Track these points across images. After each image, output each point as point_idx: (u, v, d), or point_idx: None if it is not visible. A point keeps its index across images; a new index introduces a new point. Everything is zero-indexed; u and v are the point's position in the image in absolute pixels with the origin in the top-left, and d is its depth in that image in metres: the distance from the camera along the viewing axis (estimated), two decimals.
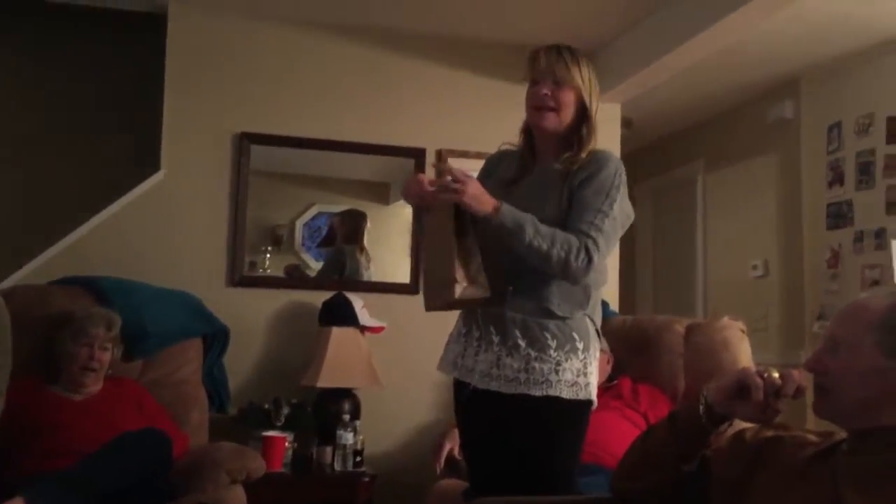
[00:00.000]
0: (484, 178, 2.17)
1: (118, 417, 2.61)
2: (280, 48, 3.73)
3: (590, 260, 1.90)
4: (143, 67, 3.78)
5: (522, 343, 1.95)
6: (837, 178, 4.07)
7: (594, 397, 2.00)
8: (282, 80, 3.71)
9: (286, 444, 3.20)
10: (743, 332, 3.19)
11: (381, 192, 4.00)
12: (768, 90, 4.49)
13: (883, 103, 3.83)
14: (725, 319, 3.26)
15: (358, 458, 3.27)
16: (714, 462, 1.51)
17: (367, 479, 3.20)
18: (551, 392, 1.92)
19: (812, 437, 1.48)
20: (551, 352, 1.94)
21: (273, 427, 3.25)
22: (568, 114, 2.03)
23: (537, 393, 1.92)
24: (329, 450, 3.25)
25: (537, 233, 1.88)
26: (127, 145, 3.90)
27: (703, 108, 4.92)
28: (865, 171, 3.90)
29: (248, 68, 3.68)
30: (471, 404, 2.03)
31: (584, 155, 2.01)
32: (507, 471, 1.94)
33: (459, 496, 2.32)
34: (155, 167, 3.54)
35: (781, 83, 4.39)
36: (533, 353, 1.94)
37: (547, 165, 2.05)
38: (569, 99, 2.02)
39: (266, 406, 3.32)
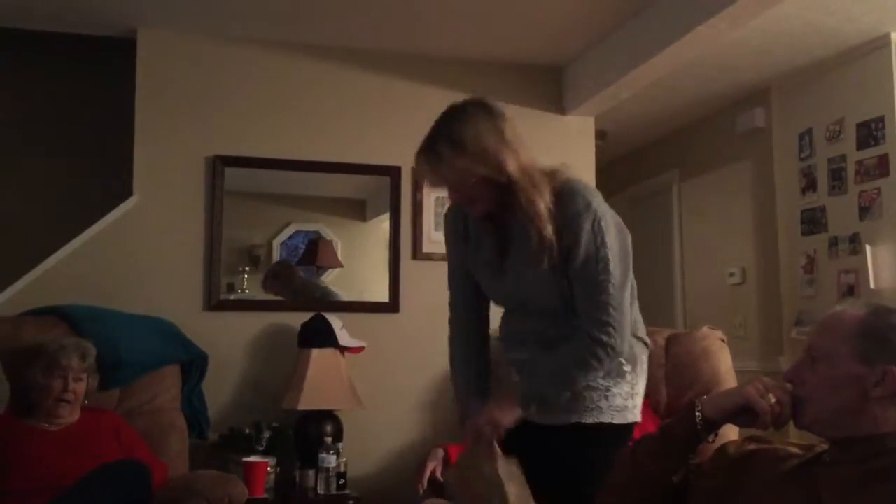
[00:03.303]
0: (456, 238, 2.06)
1: (96, 449, 2.57)
2: (251, 69, 3.71)
3: (611, 348, 1.83)
4: (114, 92, 3.75)
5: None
6: (810, 185, 4.11)
7: (639, 417, 2.00)
8: (254, 101, 3.70)
9: (268, 468, 3.16)
10: (722, 341, 3.21)
11: (358, 210, 3.99)
12: (739, 99, 4.54)
13: (852, 109, 3.88)
14: (705, 329, 3.28)
15: (341, 481, 3.24)
16: (697, 475, 1.52)
17: (351, 502, 3.17)
18: (602, 419, 1.93)
19: (794, 450, 1.49)
20: (600, 380, 1.92)
21: (254, 452, 3.21)
22: (489, 195, 1.84)
23: (589, 420, 1.92)
24: (312, 473, 3.22)
25: (559, 385, 1.85)
26: (99, 171, 3.86)
27: (676, 118, 4.95)
28: (837, 176, 3.94)
29: (220, 91, 3.66)
30: (523, 435, 1.98)
31: (545, 223, 1.82)
32: (553, 496, 1.92)
33: None
34: (127, 192, 3.50)
35: (752, 92, 4.44)
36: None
37: (514, 225, 1.91)
38: (477, 191, 1.83)
39: (247, 431, 3.29)
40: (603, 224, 1.84)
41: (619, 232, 1.91)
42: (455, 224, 2.04)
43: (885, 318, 1.38)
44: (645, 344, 2.05)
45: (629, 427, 1.98)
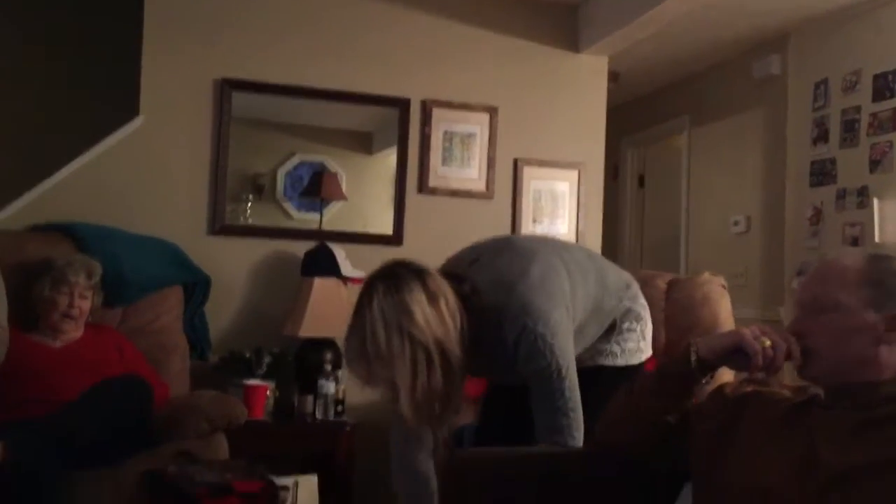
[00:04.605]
0: None
1: (99, 364, 2.60)
2: None
3: (578, 443, 1.86)
4: (123, 9, 3.69)
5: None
6: (822, 136, 4.07)
7: (650, 352, 2.15)
8: (264, 25, 3.64)
9: (267, 392, 3.20)
10: (723, 287, 3.22)
11: (364, 142, 3.96)
12: (756, 45, 4.46)
13: (870, 60, 3.82)
14: (706, 275, 3.29)
15: (339, 408, 3.29)
16: (695, 416, 1.54)
17: (348, 429, 3.22)
18: (618, 363, 2.07)
19: (787, 393, 1.51)
20: (612, 345, 2.09)
21: (254, 376, 3.24)
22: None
23: (607, 363, 2.06)
24: (310, 399, 3.27)
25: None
26: (105, 90, 3.83)
27: (690, 63, 4.88)
28: (850, 128, 3.90)
29: (230, 12, 3.59)
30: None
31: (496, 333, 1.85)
32: None
33: None
34: (133, 112, 3.47)
35: (769, 38, 4.36)
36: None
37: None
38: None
39: (247, 355, 3.32)
40: (544, 332, 1.84)
41: (554, 296, 1.88)
42: None
43: (884, 264, 1.40)
44: (633, 291, 2.13)
45: (644, 363, 2.11)
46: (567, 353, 1.87)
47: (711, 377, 1.51)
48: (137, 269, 3.02)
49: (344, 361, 1.85)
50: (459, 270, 1.92)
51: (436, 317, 1.74)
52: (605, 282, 2.05)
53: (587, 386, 1.93)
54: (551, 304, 1.86)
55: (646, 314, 2.14)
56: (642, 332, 2.11)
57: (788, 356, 1.40)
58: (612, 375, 2.03)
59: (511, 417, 2.02)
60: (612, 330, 2.07)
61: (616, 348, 2.06)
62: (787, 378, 1.70)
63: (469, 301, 1.83)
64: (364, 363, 1.75)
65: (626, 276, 2.18)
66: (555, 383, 1.85)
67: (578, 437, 1.87)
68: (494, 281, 1.88)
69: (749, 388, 1.53)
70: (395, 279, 1.77)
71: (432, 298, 1.75)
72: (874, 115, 3.76)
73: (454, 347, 1.76)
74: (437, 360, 1.73)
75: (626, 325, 2.08)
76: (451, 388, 1.78)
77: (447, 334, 1.75)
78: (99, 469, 2.24)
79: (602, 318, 2.04)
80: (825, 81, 4.07)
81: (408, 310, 1.72)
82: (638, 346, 2.09)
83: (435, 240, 3.79)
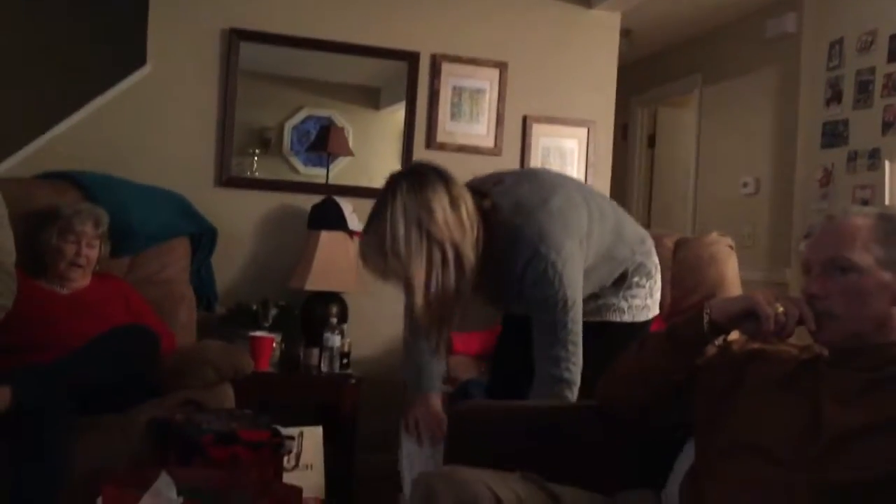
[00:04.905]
0: None
1: (106, 312, 2.61)
2: None
3: (574, 384, 1.88)
4: None
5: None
6: (835, 96, 4.02)
7: (657, 310, 2.15)
8: None
9: (273, 344, 3.22)
10: (730, 248, 3.22)
11: (372, 98, 3.92)
12: (770, 2, 4.39)
13: (887, 20, 3.75)
14: (713, 235, 3.29)
15: (344, 361, 3.31)
16: (702, 372, 1.54)
17: (353, 382, 3.25)
18: (625, 319, 2.07)
19: (793, 350, 1.50)
20: (621, 302, 2.09)
21: (260, 328, 3.26)
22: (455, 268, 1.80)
23: (614, 319, 2.07)
24: (316, 352, 3.28)
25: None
26: (112, 37, 3.79)
27: (703, 20, 4.81)
28: (864, 89, 3.85)
29: None
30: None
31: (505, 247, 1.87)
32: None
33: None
34: (141, 61, 3.44)
35: None
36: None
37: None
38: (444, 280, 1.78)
39: (254, 307, 3.34)
40: (555, 259, 1.84)
41: (570, 227, 1.89)
42: None
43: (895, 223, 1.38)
44: (647, 247, 2.12)
45: (650, 321, 2.12)
46: (575, 285, 1.87)
47: (725, 339, 1.51)
48: (145, 219, 3.02)
49: (359, 254, 1.86)
50: (483, 188, 1.94)
51: (455, 220, 1.77)
52: (621, 231, 2.06)
53: (592, 341, 1.94)
54: (566, 234, 1.87)
55: (657, 273, 2.14)
56: (651, 289, 2.11)
57: (801, 322, 1.38)
58: (618, 332, 2.04)
59: (521, 374, 2.03)
60: (621, 282, 2.07)
61: (623, 304, 2.06)
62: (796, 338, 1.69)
63: (488, 217, 1.85)
64: (381, 257, 1.77)
65: (643, 231, 2.18)
66: (559, 314, 1.86)
67: (575, 372, 1.88)
68: (515, 204, 1.89)
69: (756, 345, 1.53)
70: (419, 177, 1.80)
71: (454, 202, 1.78)
72: (889, 76, 3.71)
73: (469, 253, 1.78)
74: (452, 262, 1.76)
75: (635, 279, 2.08)
76: (459, 293, 1.81)
77: (464, 239, 1.77)
78: (105, 416, 2.27)
79: (612, 266, 2.04)
80: (840, 41, 4.01)
81: (429, 208, 1.74)
82: (645, 303, 2.09)
83: None
